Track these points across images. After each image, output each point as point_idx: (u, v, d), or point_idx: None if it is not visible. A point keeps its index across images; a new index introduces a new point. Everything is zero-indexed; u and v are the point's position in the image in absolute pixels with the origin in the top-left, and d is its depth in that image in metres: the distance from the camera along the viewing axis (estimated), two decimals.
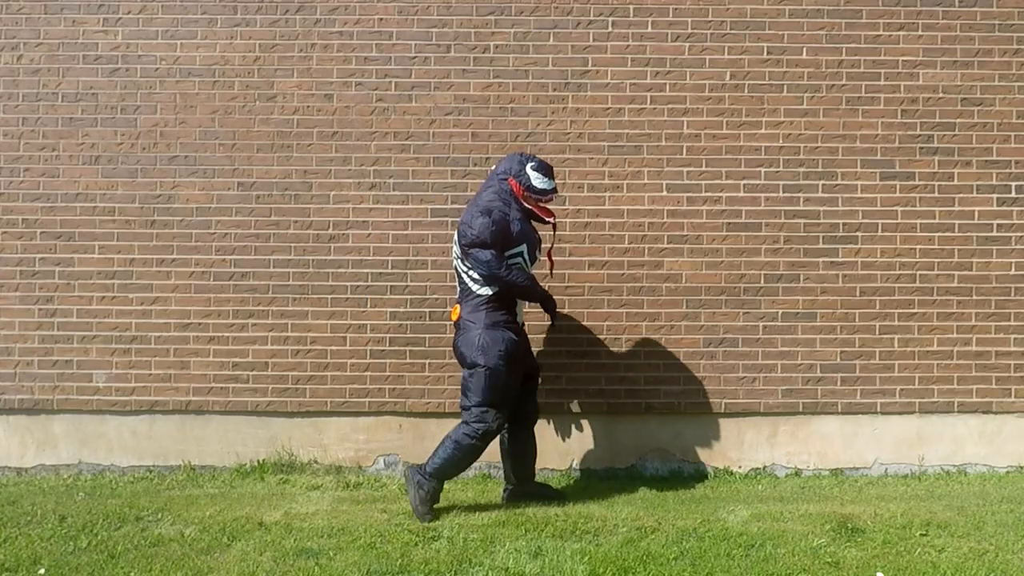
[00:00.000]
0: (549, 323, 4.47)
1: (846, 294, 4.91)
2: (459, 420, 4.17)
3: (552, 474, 4.82)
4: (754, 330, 4.91)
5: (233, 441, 4.92)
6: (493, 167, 4.33)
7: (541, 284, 4.35)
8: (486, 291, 4.10)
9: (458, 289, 4.22)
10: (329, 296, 4.91)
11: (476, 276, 4.09)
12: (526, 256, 4.19)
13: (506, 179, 4.17)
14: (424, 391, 4.89)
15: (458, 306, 4.17)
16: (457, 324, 4.16)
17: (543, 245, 4.38)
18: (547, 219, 4.25)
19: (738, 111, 4.92)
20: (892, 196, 4.92)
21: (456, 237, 4.16)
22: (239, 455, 4.91)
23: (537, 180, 4.15)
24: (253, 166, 4.92)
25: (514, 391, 4.14)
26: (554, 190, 4.22)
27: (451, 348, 4.35)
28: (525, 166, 4.17)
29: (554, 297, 4.38)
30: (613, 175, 4.90)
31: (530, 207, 4.19)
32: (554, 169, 4.28)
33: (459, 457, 4.11)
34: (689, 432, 4.93)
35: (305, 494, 4.50)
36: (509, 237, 4.09)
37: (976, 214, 4.93)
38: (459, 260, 4.15)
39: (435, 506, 4.13)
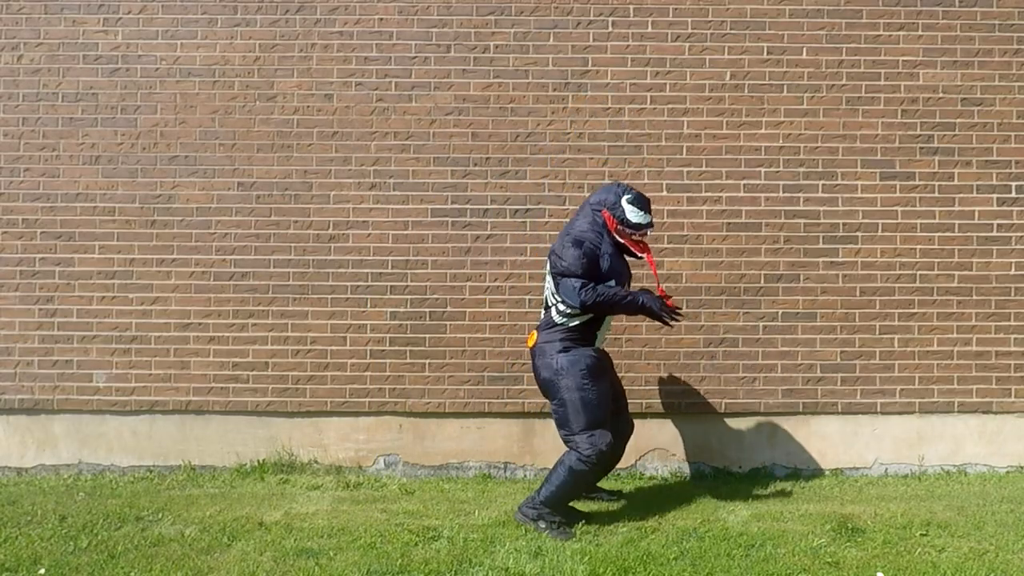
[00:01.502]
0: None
1: (846, 294, 4.91)
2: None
3: None
4: (754, 330, 4.91)
5: (233, 441, 4.92)
6: (588, 196, 4.22)
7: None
8: (569, 322, 4.00)
9: (541, 316, 4.12)
10: (329, 296, 4.91)
11: (563, 308, 3.96)
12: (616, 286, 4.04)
13: (600, 211, 4.01)
14: (424, 391, 4.90)
15: (535, 332, 4.08)
16: (533, 351, 4.07)
17: (633, 283, 4.21)
18: (639, 255, 4.07)
19: (738, 111, 4.92)
20: (892, 196, 4.92)
21: (548, 267, 4.07)
22: (239, 455, 4.91)
23: (632, 214, 3.97)
24: (253, 166, 4.93)
25: (609, 405, 4.01)
26: (650, 224, 4.04)
27: (531, 375, 4.22)
28: (621, 198, 3.99)
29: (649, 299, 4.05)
30: (613, 175, 4.90)
31: (623, 241, 4.02)
32: (650, 202, 4.09)
33: (574, 483, 3.94)
34: (689, 432, 4.93)
35: (305, 494, 4.51)
36: (599, 271, 3.96)
37: (976, 214, 4.93)
38: (550, 291, 4.04)
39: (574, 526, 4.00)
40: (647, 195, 4.11)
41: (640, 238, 4.07)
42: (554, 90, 4.92)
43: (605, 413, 3.96)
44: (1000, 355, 4.91)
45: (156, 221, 4.92)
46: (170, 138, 4.93)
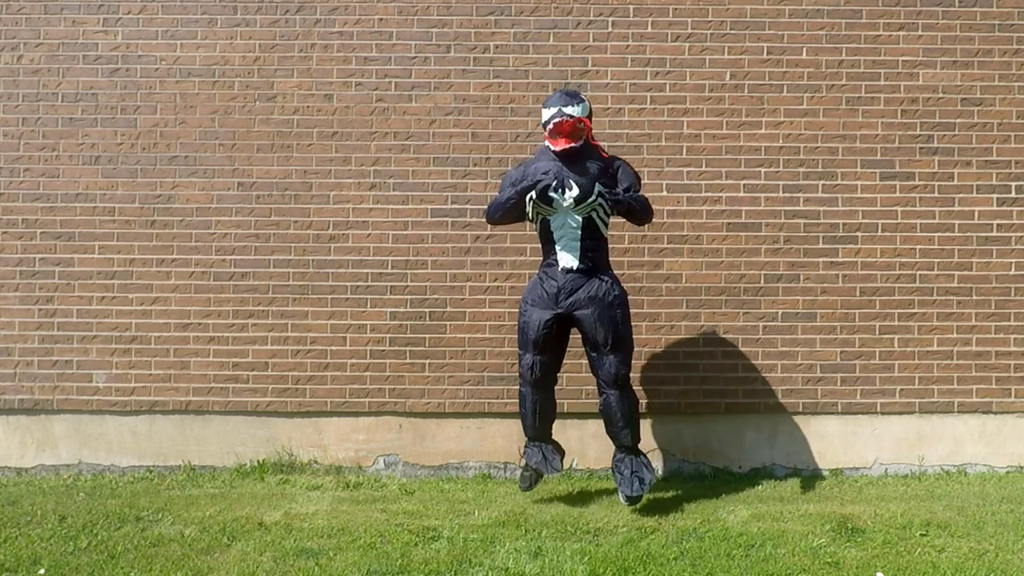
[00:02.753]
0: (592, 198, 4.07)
1: (846, 294, 4.91)
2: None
3: (552, 474, 4.81)
4: (754, 330, 4.91)
5: (233, 441, 4.92)
6: None
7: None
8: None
9: None
10: (329, 296, 4.91)
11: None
12: (535, 200, 4.02)
13: None
14: (424, 391, 4.90)
15: None
16: None
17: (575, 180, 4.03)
18: (554, 148, 4.04)
19: (738, 111, 4.92)
20: (892, 196, 4.92)
21: None
22: (239, 455, 4.91)
23: (543, 115, 4.10)
24: (253, 166, 4.93)
25: (539, 335, 4.10)
26: (554, 115, 4.00)
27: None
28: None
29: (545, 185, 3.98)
30: None
31: (551, 144, 4.08)
32: (560, 94, 4.06)
33: (520, 406, 4.28)
34: (689, 432, 4.93)
35: (305, 494, 4.51)
36: (518, 181, 4.16)
37: (976, 214, 4.93)
38: None
39: (539, 474, 4.35)
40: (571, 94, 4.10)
41: (554, 132, 4.03)
42: (554, 90, 4.91)
43: (528, 341, 4.14)
44: (1000, 355, 4.91)
45: (156, 221, 4.92)
46: (170, 138, 4.93)
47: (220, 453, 4.92)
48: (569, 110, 4.02)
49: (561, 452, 4.43)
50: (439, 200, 4.92)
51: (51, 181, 4.93)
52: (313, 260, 4.92)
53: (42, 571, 3.47)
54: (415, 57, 4.94)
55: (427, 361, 4.90)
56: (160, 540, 3.79)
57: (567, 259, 4.11)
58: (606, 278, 4.13)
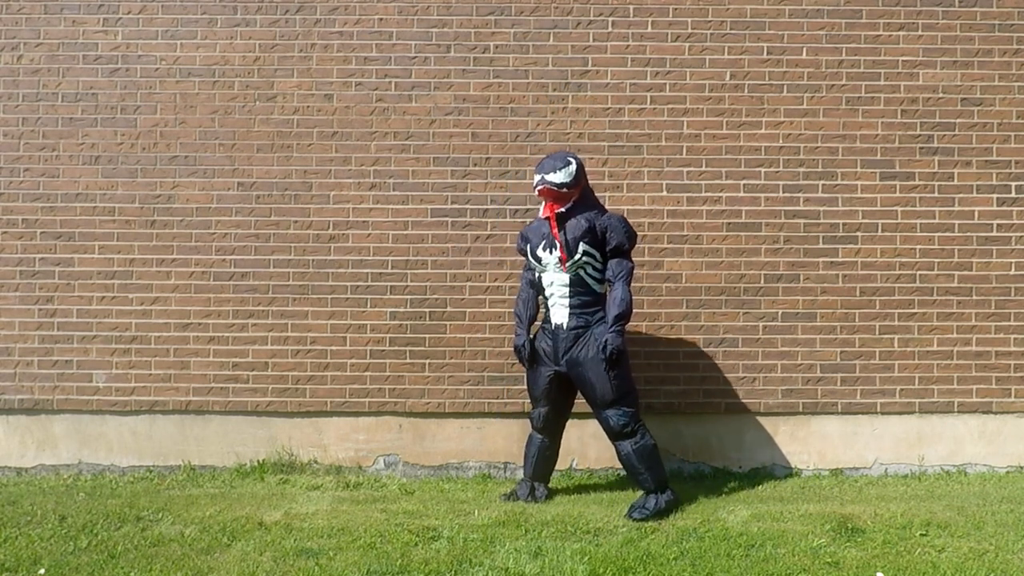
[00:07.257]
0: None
1: (846, 294, 4.91)
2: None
3: (553, 474, 4.81)
4: (754, 330, 4.91)
5: (233, 441, 4.92)
6: None
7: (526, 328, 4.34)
8: None
9: None
10: (329, 296, 4.91)
11: None
12: (528, 257, 4.27)
13: None
14: (424, 391, 4.90)
15: None
16: None
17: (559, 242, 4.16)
18: (541, 214, 4.19)
19: (738, 111, 4.92)
20: (892, 196, 4.93)
21: None
22: (239, 455, 4.91)
23: (534, 177, 4.15)
24: (253, 166, 4.93)
25: (541, 391, 4.30)
26: (539, 182, 4.08)
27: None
28: None
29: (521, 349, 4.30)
30: (613, 175, 4.90)
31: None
32: (545, 162, 4.10)
33: (527, 446, 4.46)
34: (689, 432, 4.93)
35: (305, 494, 4.51)
36: (521, 243, 4.36)
37: (976, 214, 4.93)
38: None
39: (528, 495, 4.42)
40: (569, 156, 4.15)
41: (543, 196, 4.13)
42: (554, 90, 4.92)
43: (533, 393, 4.34)
44: (1000, 355, 4.92)
45: (156, 221, 4.92)
46: (170, 138, 4.93)
47: (220, 453, 4.92)
48: (551, 177, 4.07)
49: (549, 492, 4.48)
50: (439, 200, 4.92)
51: (51, 181, 4.93)
52: (313, 260, 4.92)
53: (42, 571, 3.47)
54: (415, 57, 4.94)
55: (427, 361, 4.90)
56: (160, 540, 3.79)
57: (556, 315, 4.20)
58: (599, 334, 4.12)
